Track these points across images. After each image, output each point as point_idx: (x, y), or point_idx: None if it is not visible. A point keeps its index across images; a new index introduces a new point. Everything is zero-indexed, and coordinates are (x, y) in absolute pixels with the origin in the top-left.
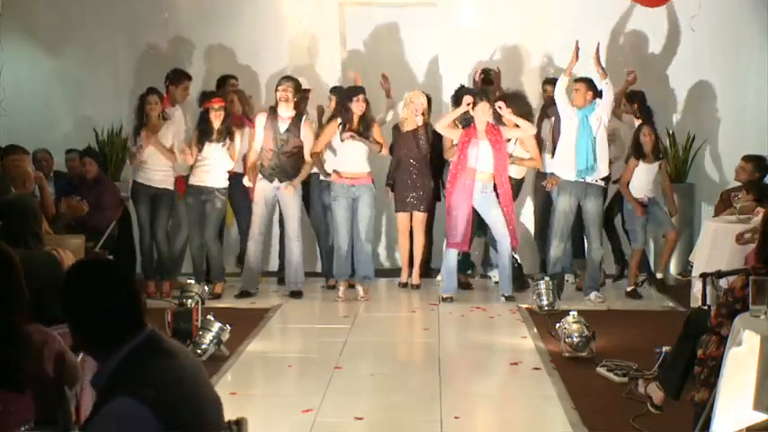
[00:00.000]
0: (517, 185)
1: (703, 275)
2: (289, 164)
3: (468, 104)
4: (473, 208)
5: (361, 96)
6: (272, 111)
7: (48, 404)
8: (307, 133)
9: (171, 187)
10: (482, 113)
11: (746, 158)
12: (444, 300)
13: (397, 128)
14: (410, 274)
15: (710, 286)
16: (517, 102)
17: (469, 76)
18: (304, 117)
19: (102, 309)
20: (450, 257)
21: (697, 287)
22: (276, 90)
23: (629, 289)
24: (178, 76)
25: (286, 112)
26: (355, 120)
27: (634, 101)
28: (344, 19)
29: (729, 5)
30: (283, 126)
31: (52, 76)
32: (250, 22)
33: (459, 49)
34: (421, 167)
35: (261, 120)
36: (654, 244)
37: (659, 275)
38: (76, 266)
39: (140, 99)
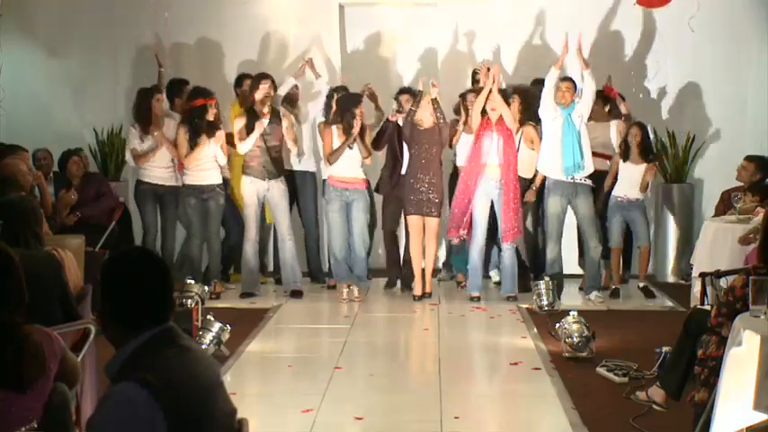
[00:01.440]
0: (526, 185)
1: (702, 275)
2: (277, 160)
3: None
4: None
5: (361, 106)
6: (250, 111)
7: (48, 404)
8: (284, 120)
9: (177, 184)
10: (492, 105)
11: (749, 158)
12: (473, 299)
13: (413, 124)
14: (424, 285)
15: (710, 286)
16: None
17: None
18: (281, 110)
19: (128, 292)
20: (475, 255)
21: (697, 287)
22: (254, 88)
23: (612, 286)
24: (179, 86)
25: (266, 108)
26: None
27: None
28: (344, 19)
29: (729, 5)
30: (265, 121)
31: (52, 76)
32: (250, 22)
33: (459, 49)
34: (436, 168)
35: (239, 123)
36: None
37: (641, 284)
38: (122, 250)
39: (143, 95)
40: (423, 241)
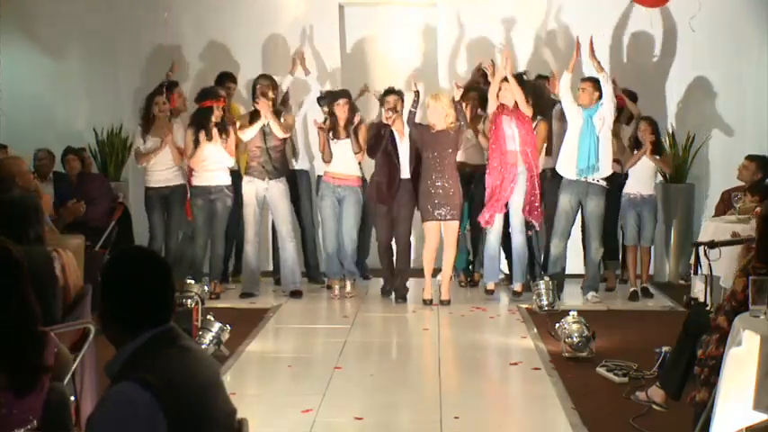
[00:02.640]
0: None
1: (696, 244)
2: (278, 160)
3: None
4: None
5: (342, 101)
6: (253, 113)
7: (47, 403)
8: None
9: (183, 182)
10: (507, 94)
11: (750, 158)
12: (487, 292)
13: (425, 127)
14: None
15: (704, 257)
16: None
17: (471, 72)
18: (282, 111)
19: (129, 293)
20: (491, 245)
21: (698, 287)
22: (254, 89)
23: (632, 289)
24: (169, 87)
25: (265, 104)
26: (341, 123)
27: (633, 100)
28: (344, 19)
29: (729, 5)
30: (266, 121)
31: (52, 75)
32: (249, 21)
33: (459, 49)
34: (452, 171)
35: (244, 119)
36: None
37: (641, 286)
38: (123, 249)
39: (147, 98)
40: (438, 247)
